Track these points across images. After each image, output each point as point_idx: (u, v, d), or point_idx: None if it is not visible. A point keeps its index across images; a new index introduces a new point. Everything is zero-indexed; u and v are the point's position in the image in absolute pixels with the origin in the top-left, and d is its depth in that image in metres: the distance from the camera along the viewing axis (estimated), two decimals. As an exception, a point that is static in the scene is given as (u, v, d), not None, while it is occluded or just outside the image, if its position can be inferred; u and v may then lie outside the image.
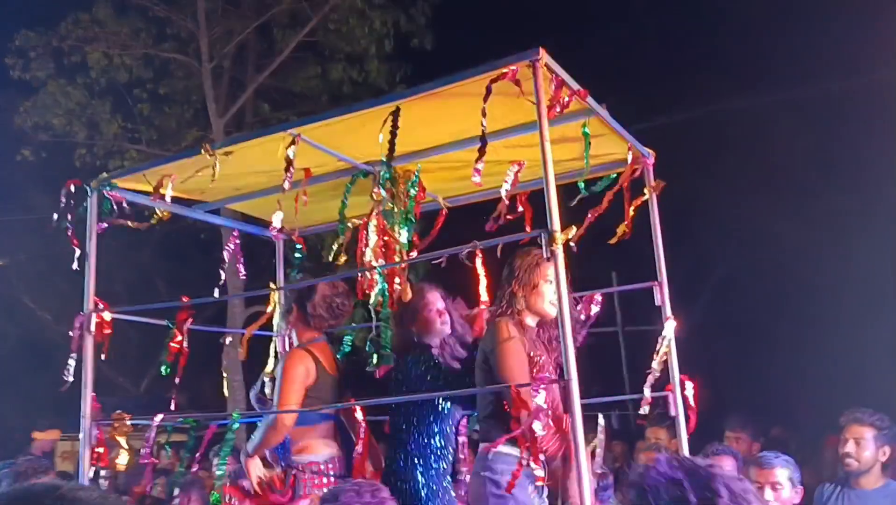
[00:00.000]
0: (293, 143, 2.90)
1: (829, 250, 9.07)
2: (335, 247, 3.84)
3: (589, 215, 3.18)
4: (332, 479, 3.03)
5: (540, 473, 2.72)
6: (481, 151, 2.54)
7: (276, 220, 3.28)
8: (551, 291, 2.88)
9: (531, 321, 2.91)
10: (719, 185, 10.03)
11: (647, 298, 3.45)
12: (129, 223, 3.43)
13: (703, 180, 9.78)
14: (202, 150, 3.07)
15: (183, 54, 10.49)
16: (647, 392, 2.97)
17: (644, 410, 3.08)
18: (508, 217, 3.01)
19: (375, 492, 1.99)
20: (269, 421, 3.03)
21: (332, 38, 10.32)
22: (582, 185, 3.12)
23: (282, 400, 3.03)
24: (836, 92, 8.61)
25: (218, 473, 2.93)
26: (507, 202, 2.98)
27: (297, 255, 4.22)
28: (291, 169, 2.89)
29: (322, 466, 3.06)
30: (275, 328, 3.74)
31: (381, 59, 10.30)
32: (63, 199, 3.23)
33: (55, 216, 3.20)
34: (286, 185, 2.87)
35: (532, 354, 2.77)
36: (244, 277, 4.42)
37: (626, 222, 3.35)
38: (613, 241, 3.21)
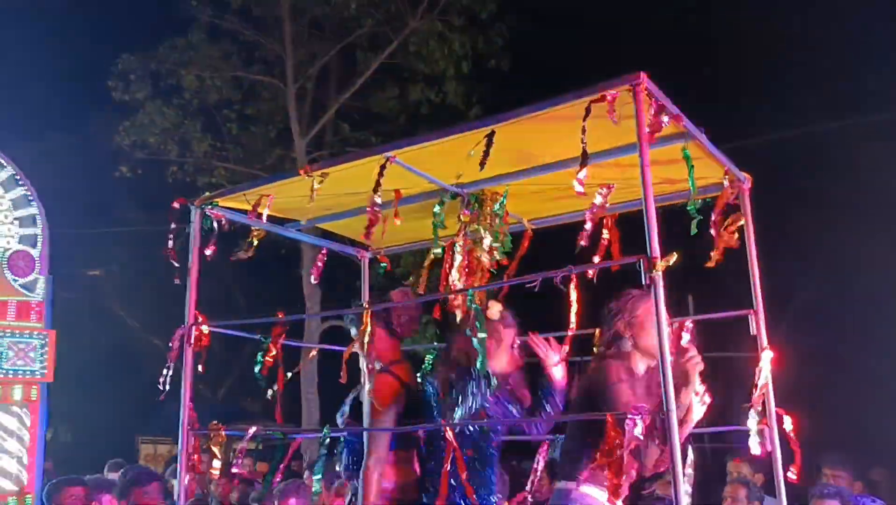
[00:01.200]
0: (386, 164, 2.96)
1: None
2: (412, 266, 3.90)
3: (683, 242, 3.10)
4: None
5: None
6: (583, 162, 2.52)
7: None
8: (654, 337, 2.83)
9: (641, 364, 2.84)
10: (808, 209, 9.63)
11: (723, 326, 3.34)
12: (243, 253, 3.57)
13: (791, 203, 9.42)
14: (300, 172, 3.16)
15: (269, 76, 10.92)
16: (752, 424, 2.85)
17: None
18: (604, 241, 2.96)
19: None
20: (369, 462, 3.04)
21: (411, 59, 10.54)
22: (693, 207, 3.05)
23: (377, 421, 3.05)
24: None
25: (314, 487, 2.99)
26: (590, 224, 2.95)
27: (381, 272, 4.30)
28: (380, 190, 2.94)
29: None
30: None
31: (459, 81, 10.43)
32: (170, 219, 3.39)
33: (170, 237, 3.36)
34: (378, 200, 2.93)
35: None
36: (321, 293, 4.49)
37: (718, 249, 3.26)
38: (711, 264, 3.12)
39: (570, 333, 2.87)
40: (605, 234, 3.49)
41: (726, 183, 3.19)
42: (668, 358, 2.23)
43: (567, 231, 4.00)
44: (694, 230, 3.32)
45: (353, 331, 3.23)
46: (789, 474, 3.05)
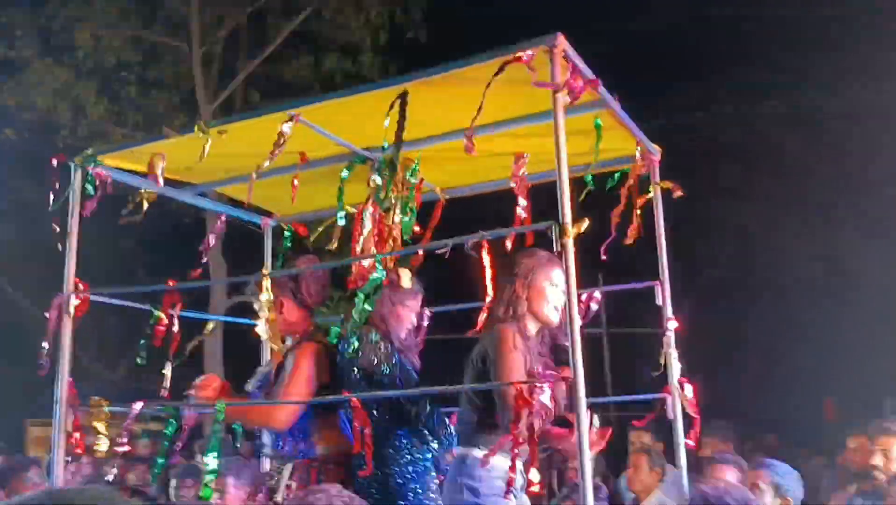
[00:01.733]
0: (290, 121, 2.78)
1: (820, 253, 9.09)
2: (320, 231, 3.74)
3: (591, 212, 3.08)
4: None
5: (520, 480, 2.63)
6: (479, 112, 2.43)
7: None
8: (556, 295, 2.81)
9: (532, 327, 2.82)
10: (714, 188, 10.02)
11: (632, 300, 3.37)
12: (131, 217, 3.29)
13: (698, 183, 9.76)
14: (196, 129, 2.93)
15: (173, 38, 10.30)
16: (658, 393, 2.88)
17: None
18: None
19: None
20: (266, 408, 2.93)
21: (326, 27, 10.20)
22: (590, 178, 3.03)
23: (287, 392, 2.91)
24: (837, 102, 8.63)
25: (208, 467, 2.80)
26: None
27: (286, 241, 4.10)
28: (281, 146, 2.76)
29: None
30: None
31: (375, 51, 10.20)
32: (50, 178, 3.09)
33: (51, 197, 3.05)
34: (266, 163, 2.75)
35: (530, 368, 2.68)
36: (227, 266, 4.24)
37: (633, 225, 3.27)
38: (630, 241, 3.13)
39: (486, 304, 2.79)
40: (523, 202, 3.43)
41: (638, 155, 3.19)
42: (578, 325, 2.18)
43: (483, 202, 3.95)
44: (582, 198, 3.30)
45: (257, 304, 3.05)
46: (688, 441, 3.11)
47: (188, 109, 10.59)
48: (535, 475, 2.54)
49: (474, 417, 2.72)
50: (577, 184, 3.32)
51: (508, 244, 2.65)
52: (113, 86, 10.44)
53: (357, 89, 2.75)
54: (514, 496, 2.58)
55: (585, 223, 2.27)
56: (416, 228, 3.51)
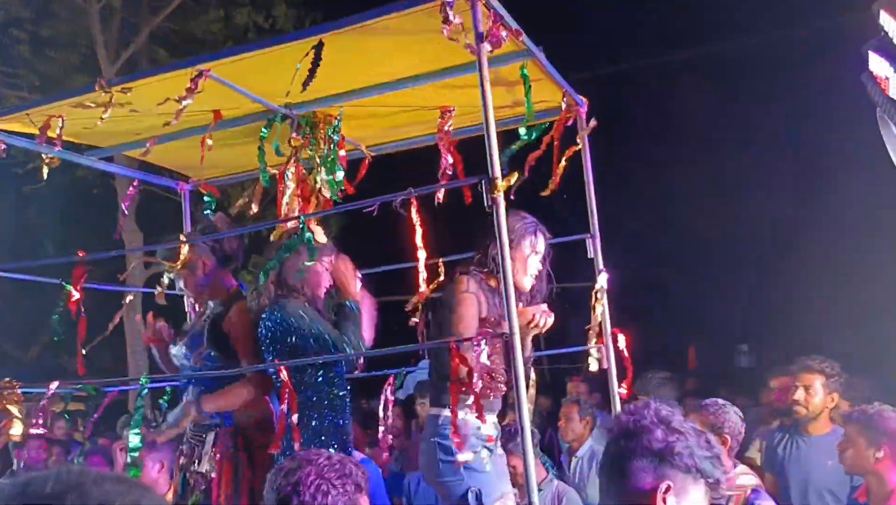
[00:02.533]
0: (199, 78, 2.60)
1: (728, 202, 9.41)
2: (243, 199, 3.57)
3: (526, 162, 3.05)
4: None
5: (491, 431, 2.63)
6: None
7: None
8: (535, 263, 2.79)
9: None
10: (632, 142, 10.19)
11: (561, 254, 3.38)
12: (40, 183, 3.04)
13: (618, 136, 9.90)
14: (97, 87, 2.71)
15: (67, -9, 9.55)
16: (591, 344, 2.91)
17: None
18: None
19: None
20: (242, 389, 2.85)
21: (236, -21, 9.69)
22: (523, 131, 2.98)
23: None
24: (742, 50, 8.83)
25: (132, 443, 2.67)
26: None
27: (206, 207, 3.90)
28: (187, 101, 2.59)
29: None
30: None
31: (290, 4, 9.78)
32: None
33: None
34: (174, 121, 2.58)
35: (489, 315, 2.62)
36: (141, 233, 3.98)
37: (555, 173, 3.26)
38: (546, 192, 3.11)
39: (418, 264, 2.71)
40: (450, 159, 3.36)
41: (564, 106, 3.16)
42: (510, 278, 2.16)
43: (411, 159, 3.85)
44: (514, 150, 3.27)
45: (168, 270, 2.91)
46: (621, 390, 3.18)
47: (89, 70, 9.89)
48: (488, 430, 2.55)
49: (444, 375, 2.66)
50: (508, 137, 3.29)
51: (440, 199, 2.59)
52: (3, 46, 9.64)
53: (269, 42, 2.59)
54: (490, 450, 2.58)
55: (515, 177, 2.23)
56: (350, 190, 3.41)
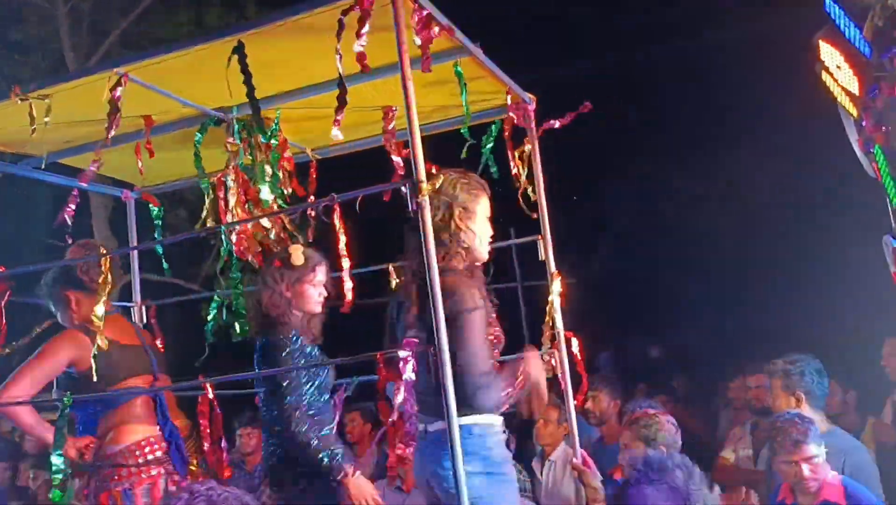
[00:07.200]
0: (119, 84, 2.48)
1: (718, 201, 9.32)
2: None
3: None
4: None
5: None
6: (340, 100, 2.23)
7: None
8: (488, 228, 2.49)
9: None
10: (607, 137, 10.08)
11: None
12: None
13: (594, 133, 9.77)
14: (11, 95, 2.59)
15: (33, -5, 9.39)
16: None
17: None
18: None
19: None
20: None
21: (206, -21, 9.55)
22: (465, 131, 2.87)
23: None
24: (728, 40, 8.72)
25: (55, 466, 2.55)
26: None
27: (158, 218, 3.78)
28: (118, 114, 2.48)
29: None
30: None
31: (261, 4, 9.64)
32: None
33: None
34: (110, 132, 2.46)
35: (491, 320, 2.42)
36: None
37: (521, 175, 3.16)
38: (520, 201, 3.01)
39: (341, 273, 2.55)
40: (396, 158, 3.24)
41: (510, 103, 3.05)
42: (437, 286, 2.05)
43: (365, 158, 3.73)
44: (487, 157, 3.20)
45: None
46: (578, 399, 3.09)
47: (59, 74, 9.76)
48: None
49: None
50: (455, 137, 3.18)
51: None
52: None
53: (185, 43, 2.48)
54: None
55: (440, 180, 2.12)
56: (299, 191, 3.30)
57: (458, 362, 2.12)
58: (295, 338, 2.87)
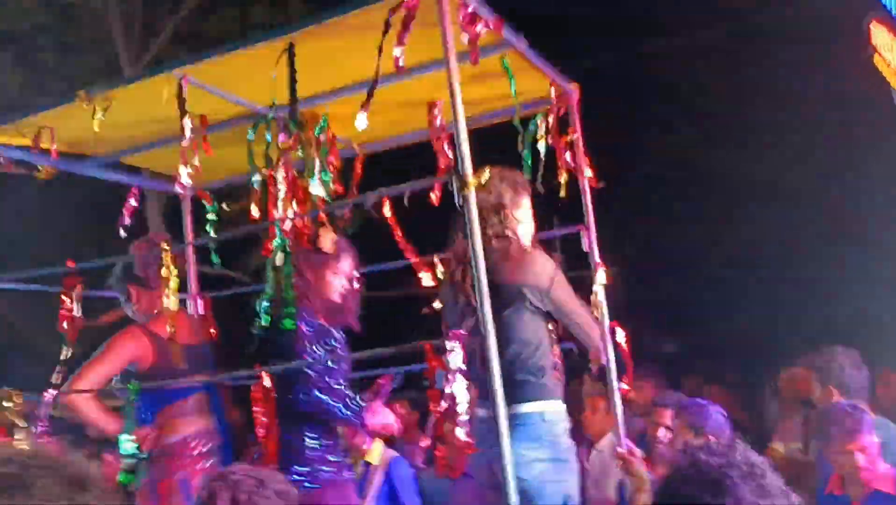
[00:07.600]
0: (180, 86, 2.59)
1: (760, 191, 9.14)
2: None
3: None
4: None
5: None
6: (370, 94, 2.30)
7: (184, 174, 2.93)
8: (531, 222, 2.76)
9: None
10: (650, 128, 9.94)
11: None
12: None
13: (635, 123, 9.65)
14: (77, 97, 2.72)
15: (87, -3, 9.70)
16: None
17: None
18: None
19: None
20: None
21: (250, -24, 9.71)
22: (518, 122, 2.91)
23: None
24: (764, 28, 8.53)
25: (126, 450, 2.70)
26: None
27: (209, 213, 3.90)
28: (187, 114, 2.58)
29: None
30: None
31: (305, 0, 9.76)
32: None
33: None
34: (187, 132, 2.57)
35: None
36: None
37: (560, 165, 3.17)
38: (563, 192, 3.05)
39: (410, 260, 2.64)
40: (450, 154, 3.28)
41: (553, 95, 3.07)
42: (483, 277, 2.10)
43: (407, 153, 3.79)
44: (527, 150, 3.21)
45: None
46: (622, 385, 3.10)
47: (113, 73, 10.05)
48: None
49: (537, 366, 2.51)
50: (504, 129, 3.20)
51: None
52: (28, 53, 9.84)
53: (237, 44, 2.57)
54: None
55: (486, 174, 2.17)
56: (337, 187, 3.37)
57: (577, 321, 2.50)
58: (310, 320, 2.88)
